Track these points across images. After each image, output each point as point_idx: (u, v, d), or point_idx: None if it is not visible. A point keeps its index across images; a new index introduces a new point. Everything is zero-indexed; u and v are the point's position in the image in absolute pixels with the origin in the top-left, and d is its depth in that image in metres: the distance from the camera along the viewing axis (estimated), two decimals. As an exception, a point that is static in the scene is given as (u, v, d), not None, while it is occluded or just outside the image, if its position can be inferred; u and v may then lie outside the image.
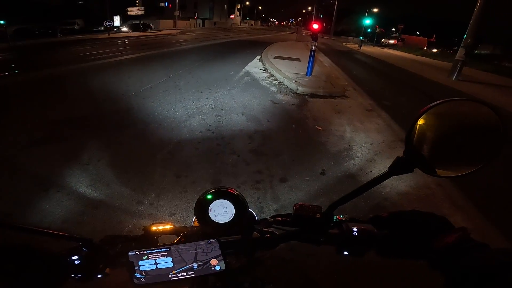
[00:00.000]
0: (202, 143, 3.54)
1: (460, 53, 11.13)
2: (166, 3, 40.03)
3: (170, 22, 34.77)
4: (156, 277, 0.52)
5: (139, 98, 5.20)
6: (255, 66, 9.59)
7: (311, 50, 7.71)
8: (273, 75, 8.13)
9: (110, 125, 3.94)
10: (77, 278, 0.51)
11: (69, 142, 3.33)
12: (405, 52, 28.36)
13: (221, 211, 0.59)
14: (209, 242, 0.53)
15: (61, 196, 2.34)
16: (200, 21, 45.29)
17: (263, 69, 9.20)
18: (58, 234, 0.51)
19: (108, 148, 3.23)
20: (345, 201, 0.55)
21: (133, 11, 28.97)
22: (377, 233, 0.54)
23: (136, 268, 0.51)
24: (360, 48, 26.05)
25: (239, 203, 0.58)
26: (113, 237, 0.56)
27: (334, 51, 21.51)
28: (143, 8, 29.06)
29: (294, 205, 0.59)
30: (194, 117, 4.39)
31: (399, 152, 0.48)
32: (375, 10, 41.43)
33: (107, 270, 0.53)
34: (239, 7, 71.29)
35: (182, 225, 0.61)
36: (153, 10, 34.98)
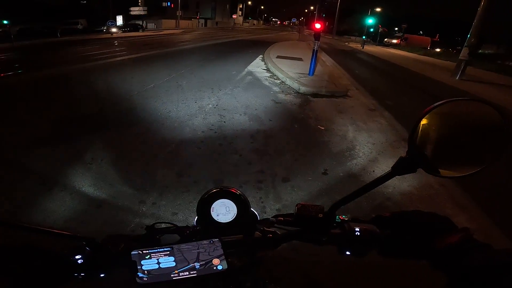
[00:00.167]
0: (205, 142, 3.54)
1: (464, 53, 11.07)
2: (169, 3, 40.08)
3: (172, 22, 34.87)
4: (159, 277, 0.52)
5: (142, 98, 5.22)
6: (257, 66, 9.59)
7: (313, 50, 7.70)
8: (275, 75, 8.13)
9: (113, 125, 3.95)
10: (80, 277, 0.51)
11: (72, 142, 3.34)
12: (408, 51, 28.24)
13: (223, 211, 0.59)
14: (211, 241, 0.53)
15: (64, 195, 2.35)
16: (202, 21, 45.38)
17: (265, 68, 9.20)
18: (61, 233, 0.51)
19: (111, 148, 3.25)
20: (347, 201, 0.55)
21: (135, 11, 29.08)
22: (380, 233, 0.54)
23: (138, 267, 0.51)
24: (363, 48, 25.97)
25: (241, 203, 0.58)
26: (116, 237, 0.56)
27: (337, 50, 21.45)
28: (145, 8, 29.15)
29: (296, 205, 0.59)
30: (196, 117, 4.39)
31: (402, 152, 0.47)
32: (378, 9, 41.25)
33: (110, 269, 0.54)
34: (241, 6, 71.29)
35: (185, 225, 0.62)
36: (156, 10, 35.04)
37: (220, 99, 5.42)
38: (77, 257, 0.50)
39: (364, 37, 29.70)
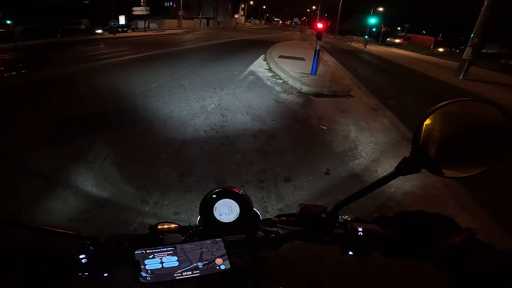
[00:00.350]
0: (207, 142, 3.55)
1: (467, 52, 11.00)
2: (171, 3, 40.17)
3: (174, 22, 34.95)
4: (162, 276, 0.52)
5: (144, 98, 5.23)
6: (259, 66, 9.58)
7: (315, 49, 7.69)
8: (278, 75, 8.12)
9: (116, 124, 3.97)
10: (83, 276, 0.51)
11: (75, 141, 3.36)
12: (411, 51, 28.11)
13: (226, 211, 0.59)
14: (214, 241, 0.54)
15: (67, 195, 2.37)
16: (204, 21, 45.41)
17: (268, 68, 9.20)
18: (65, 233, 0.51)
19: (114, 147, 3.26)
20: (350, 201, 0.55)
21: (137, 11, 29.13)
22: (382, 233, 0.54)
23: (142, 267, 0.52)
24: (365, 48, 25.89)
25: (244, 203, 0.58)
26: (119, 236, 0.57)
27: (339, 50, 21.40)
28: (147, 8, 29.21)
29: (299, 205, 0.59)
30: (198, 117, 4.40)
31: (405, 152, 0.47)
32: (381, 9, 41.11)
33: (114, 268, 0.54)
34: (243, 6, 71.29)
35: (187, 224, 0.62)
36: (158, 9, 35.14)
37: (222, 99, 5.43)
38: (81, 256, 0.51)
39: (366, 36, 29.62)
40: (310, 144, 3.76)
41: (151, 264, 0.52)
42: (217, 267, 0.54)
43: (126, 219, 2.13)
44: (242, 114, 4.65)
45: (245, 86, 6.60)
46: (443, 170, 0.48)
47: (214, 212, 0.58)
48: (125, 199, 2.35)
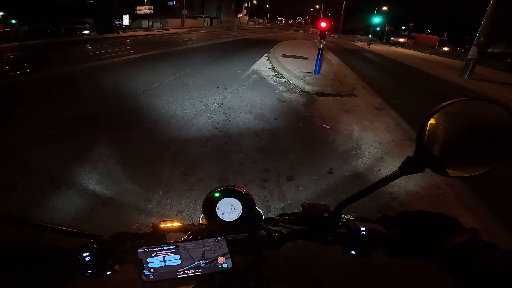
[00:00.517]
0: (210, 141, 3.55)
1: (473, 52, 10.91)
2: (174, 2, 40.22)
3: (178, 21, 34.98)
4: (164, 274, 0.53)
5: (147, 97, 5.25)
6: (262, 65, 9.58)
7: (319, 49, 7.66)
8: (281, 74, 8.11)
9: (120, 123, 3.99)
10: (87, 274, 0.52)
11: (79, 140, 3.38)
12: (416, 50, 27.91)
13: (229, 209, 0.59)
14: (216, 240, 0.54)
15: (71, 193, 2.38)
16: (207, 20, 45.43)
17: (271, 67, 9.19)
18: (69, 231, 0.52)
19: (118, 146, 3.28)
20: (353, 200, 0.55)
21: (141, 10, 29.21)
22: (385, 233, 0.53)
23: (145, 265, 0.52)
24: (369, 47, 25.75)
25: (247, 202, 0.59)
26: (122, 234, 0.57)
27: (343, 49, 21.31)
28: (151, 7, 29.27)
29: (302, 204, 0.59)
30: (202, 116, 4.41)
31: (409, 152, 0.47)
32: (385, 8, 40.84)
33: (116, 267, 0.54)
34: (246, 5, 71.20)
35: (190, 223, 0.62)
36: (162, 9, 35.19)
37: (226, 98, 5.43)
38: (84, 254, 0.51)
39: (370, 36, 29.44)
40: (313, 143, 3.75)
41: (154, 262, 0.52)
42: (219, 266, 0.54)
43: (130, 217, 2.15)
44: (245, 113, 4.65)
45: (248, 85, 6.60)
46: (447, 170, 0.47)
47: (217, 211, 0.59)
48: (129, 198, 2.37)
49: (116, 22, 20.89)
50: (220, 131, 3.89)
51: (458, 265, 0.44)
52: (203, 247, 0.54)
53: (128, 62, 9.21)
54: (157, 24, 32.37)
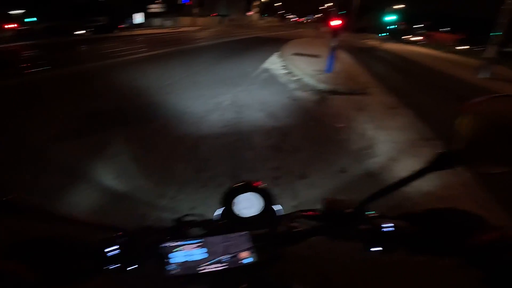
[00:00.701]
0: (221, 138, 3.57)
1: (490, 51, 10.62)
2: (185, 0, 40.49)
3: (189, 19, 35.21)
4: (187, 269, 0.53)
5: (159, 95, 5.31)
6: (273, 63, 9.54)
7: (331, 47, 7.58)
8: (292, 72, 8.06)
9: (133, 120, 4.05)
10: (111, 269, 0.51)
11: (93, 136, 3.45)
12: (432, 49, 27.29)
13: (248, 204, 0.59)
14: (239, 235, 0.54)
15: (86, 188, 2.43)
16: (218, 18, 45.55)
17: (282, 65, 9.14)
18: (98, 224, 0.52)
19: (131, 142, 3.33)
20: (377, 196, 0.54)
21: (153, 8, 29.57)
22: (408, 230, 0.52)
23: (167, 260, 0.52)
24: (383, 45, 25.31)
25: (267, 197, 0.58)
26: (145, 229, 0.57)
27: (355, 48, 20.98)
28: (163, 6, 29.58)
29: (325, 199, 0.58)
30: (213, 113, 4.43)
31: (423, 151, 0.47)
32: (400, 6, 40.02)
33: (140, 261, 0.54)
34: (257, 3, 70.99)
35: (210, 218, 0.62)
36: (173, 7, 35.47)
37: (237, 96, 5.44)
38: (109, 249, 0.51)
39: (383, 33, 28.93)
40: (325, 142, 3.72)
41: (177, 257, 0.53)
42: (242, 261, 0.54)
43: (144, 213, 2.18)
44: (256, 111, 4.65)
45: (259, 83, 6.59)
46: (477, 165, 0.46)
47: (236, 206, 0.59)
48: (143, 194, 2.40)
49: (127, 21, 21.12)
50: (232, 128, 3.90)
51: (485, 263, 0.43)
52: (226, 242, 0.54)
53: (140, 60, 9.33)
54: (169, 23, 32.67)
